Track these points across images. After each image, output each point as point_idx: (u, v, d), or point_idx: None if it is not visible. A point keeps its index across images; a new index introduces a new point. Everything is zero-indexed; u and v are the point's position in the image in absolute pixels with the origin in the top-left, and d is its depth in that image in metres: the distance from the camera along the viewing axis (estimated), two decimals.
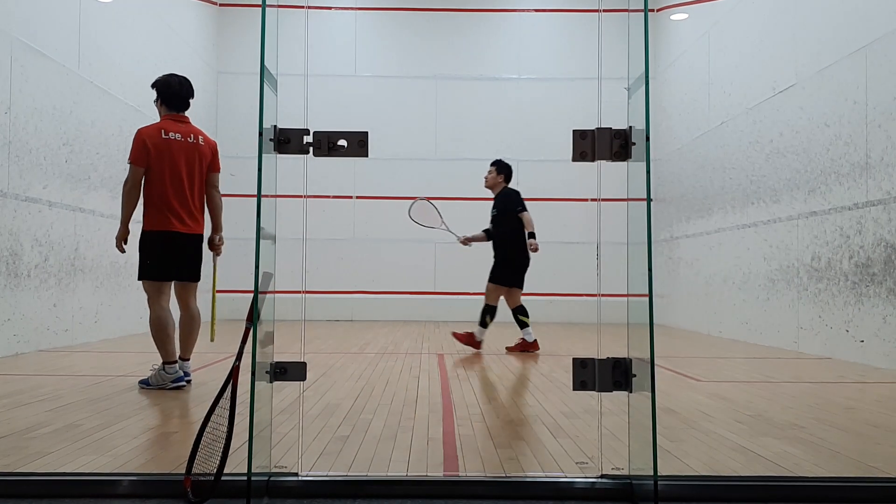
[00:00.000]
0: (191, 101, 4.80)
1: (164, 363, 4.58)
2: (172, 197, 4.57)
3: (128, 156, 4.62)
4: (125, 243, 4.64)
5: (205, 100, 11.81)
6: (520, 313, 7.18)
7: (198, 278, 4.83)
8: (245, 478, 2.30)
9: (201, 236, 4.80)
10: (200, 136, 4.76)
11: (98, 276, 8.02)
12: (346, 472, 2.71)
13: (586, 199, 11.66)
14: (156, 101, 4.78)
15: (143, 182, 4.60)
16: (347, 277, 12.29)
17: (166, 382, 4.54)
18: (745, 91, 8.99)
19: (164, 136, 4.59)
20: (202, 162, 4.74)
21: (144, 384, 4.64)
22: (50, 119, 7.02)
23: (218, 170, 4.89)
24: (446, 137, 12.56)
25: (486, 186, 7.41)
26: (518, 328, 7.23)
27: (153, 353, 6.22)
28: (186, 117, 4.77)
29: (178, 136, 4.63)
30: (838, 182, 6.93)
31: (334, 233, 12.27)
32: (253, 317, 2.42)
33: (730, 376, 5.63)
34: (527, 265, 7.26)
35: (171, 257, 4.62)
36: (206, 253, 4.89)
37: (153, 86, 4.77)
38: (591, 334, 8.80)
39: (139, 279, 4.66)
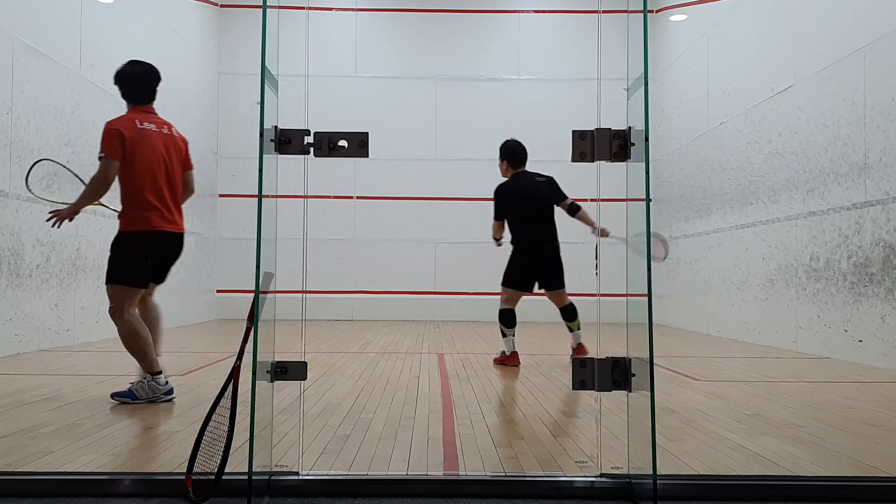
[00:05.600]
0: (157, 89, 4.34)
1: (150, 374, 4.11)
2: (154, 192, 4.13)
3: (98, 150, 4.18)
4: (69, 221, 4.30)
5: (205, 100, 11.83)
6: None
7: (165, 279, 4.41)
8: (246, 477, 2.31)
9: (184, 235, 4.38)
10: (174, 129, 4.38)
11: (99, 275, 8.02)
12: (347, 471, 2.72)
13: (586, 200, 11.61)
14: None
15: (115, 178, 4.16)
16: (348, 277, 12.30)
17: (158, 395, 4.09)
18: (744, 92, 9.01)
19: (139, 125, 4.19)
20: (179, 154, 4.35)
21: (125, 397, 4.08)
22: (51, 119, 7.03)
23: (192, 167, 4.47)
24: (446, 138, 12.58)
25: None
26: (502, 336, 6.26)
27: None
28: (153, 109, 4.37)
29: (152, 126, 4.24)
30: (837, 182, 6.95)
31: (334, 233, 12.28)
32: (254, 316, 2.43)
33: (728, 376, 5.64)
34: None
35: (152, 260, 4.18)
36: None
37: (115, 78, 4.39)
38: (591, 334, 8.78)
39: (109, 283, 4.13)
